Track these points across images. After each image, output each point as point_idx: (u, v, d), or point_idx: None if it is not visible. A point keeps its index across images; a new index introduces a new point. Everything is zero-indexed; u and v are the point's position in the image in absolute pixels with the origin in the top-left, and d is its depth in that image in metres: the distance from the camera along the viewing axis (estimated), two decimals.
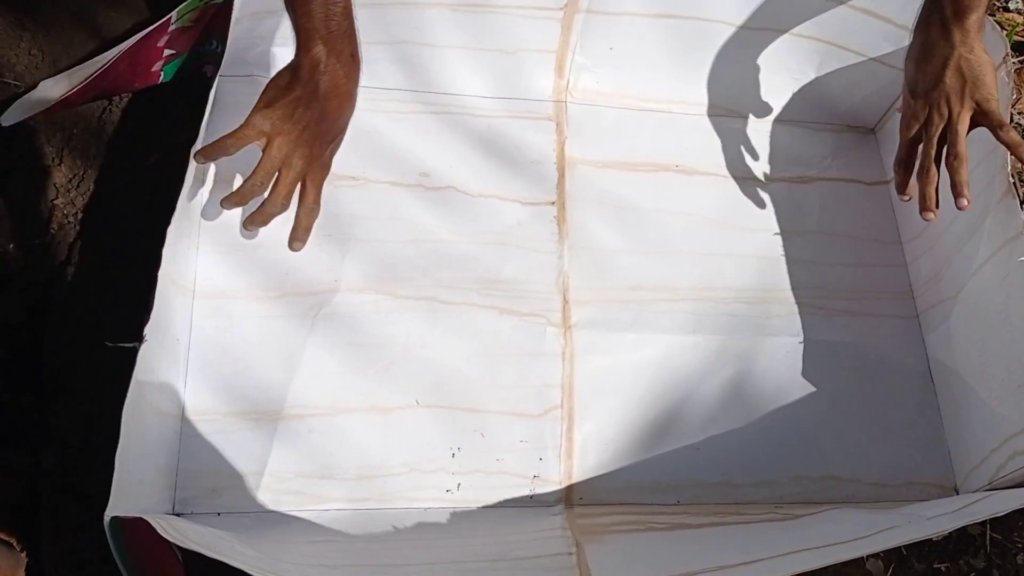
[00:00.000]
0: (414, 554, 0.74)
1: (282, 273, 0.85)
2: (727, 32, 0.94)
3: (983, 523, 0.88)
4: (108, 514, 0.60)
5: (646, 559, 0.74)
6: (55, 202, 0.89)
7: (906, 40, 0.91)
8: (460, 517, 0.80)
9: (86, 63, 0.81)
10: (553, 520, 0.80)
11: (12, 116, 0.83)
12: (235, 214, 0.86)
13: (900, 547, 0.84)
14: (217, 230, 0.86)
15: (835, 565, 0.81)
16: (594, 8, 0.90)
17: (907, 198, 0.84)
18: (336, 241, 0.87)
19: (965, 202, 0.76)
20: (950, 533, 0.87)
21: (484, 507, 0.81)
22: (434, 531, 0.78)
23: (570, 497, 0.82)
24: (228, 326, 0.83)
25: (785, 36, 0.95)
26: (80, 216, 0.89)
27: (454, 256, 0.89)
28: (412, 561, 0.72)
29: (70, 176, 0.91)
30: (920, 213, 0.79)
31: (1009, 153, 0.78)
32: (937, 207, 0.79)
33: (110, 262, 0.88)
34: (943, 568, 0.85)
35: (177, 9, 0.78)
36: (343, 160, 0.90)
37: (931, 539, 0.86)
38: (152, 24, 0.81)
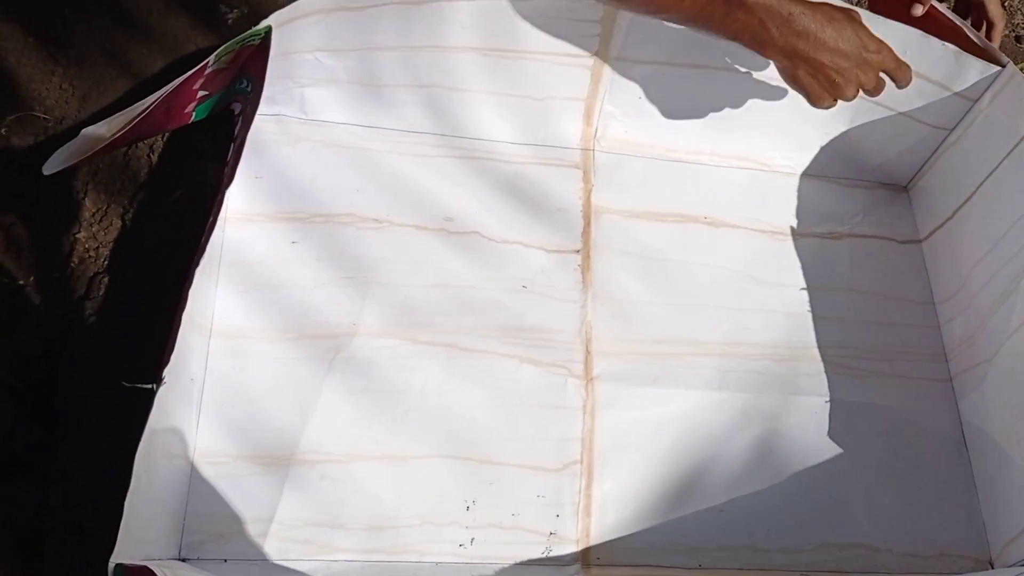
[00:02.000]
0: None
1: (301, 314, 0.84)
2: (757, 84, 0.93)
3: None
4: (113, 560, 0.59)
5: None
6: (77, 236, 0.89)
7: (939, 95, 0.90)
8: (473, 574, 0.77)
9: (125, 110, 0.81)
10: None
11: (53, 164, 0.83)
12: (254, 252, 0.85)
13: None
14: (237, 268, 0.85)
15: None
16: (624, 56, 0.89)
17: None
18: (356, 284, 0.86)
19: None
20: None
21: (498, 564, 0.78)
22: None
23: (587, 557, 0.79)
24: (244, 367, 0.81)
25: None
26: (101, 251, 0.89)
27: (476, 302, 0.88)
28: None
29: (94, 210, 0.90)
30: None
31: None
32: None
33: (130, 298, 0.87)
34: None
35: (215, 53, 0.78)
36: (366, 202, 0.90)
37: None
38: (185, 64, 0.81)
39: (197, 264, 0.72)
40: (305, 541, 0.76)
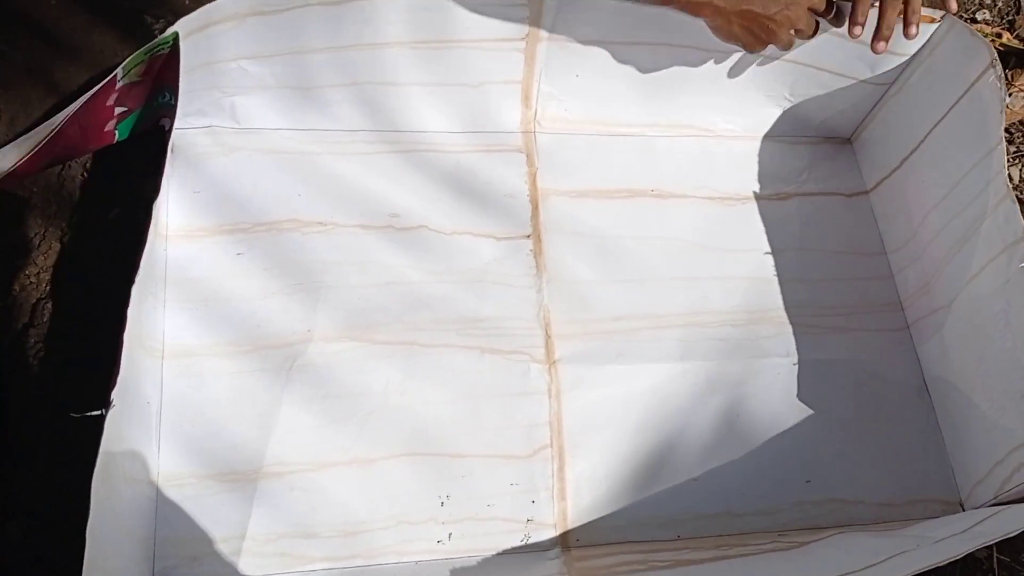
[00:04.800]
0: None
1: (253, 326, 0.83)
2: (694, 55, 0.93)
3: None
4: None
5: None
6: (16, 263, 0.87)
7: (882, 61, 0.90)
8: (454, 569, 0.77)
9: (34, 131, 0.78)
10: (551, 565, 0.77)
11: None
12: (199, 268, 0.84)
13: None
14: (183, 286, 0.83)
15: None
16: (556, 36, 0.88)
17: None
18: (307, 290, 0.85)
19: (914, 30, 0.80)
20: None
21: (478, 556, 0.78)
22: None
23: (566, 540, 0.79)
24: (200, 385, 0.80)
25: (756, 59, 0.94)
26: (42, 276, 0.86)
27: (430, 297, 0.87)
28: None
29: (31, 235, 0.88)
30: (873, 44, 0.80)
31: (1006, 160, 0.79)
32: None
33: (75, 322, 0.85)
34: None
35: (122, 65, 0.76)
36: (309, 206, 0.89)
37: None
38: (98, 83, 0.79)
39: (132, 282, 0.70)
40: (280, 554, 0.75)
